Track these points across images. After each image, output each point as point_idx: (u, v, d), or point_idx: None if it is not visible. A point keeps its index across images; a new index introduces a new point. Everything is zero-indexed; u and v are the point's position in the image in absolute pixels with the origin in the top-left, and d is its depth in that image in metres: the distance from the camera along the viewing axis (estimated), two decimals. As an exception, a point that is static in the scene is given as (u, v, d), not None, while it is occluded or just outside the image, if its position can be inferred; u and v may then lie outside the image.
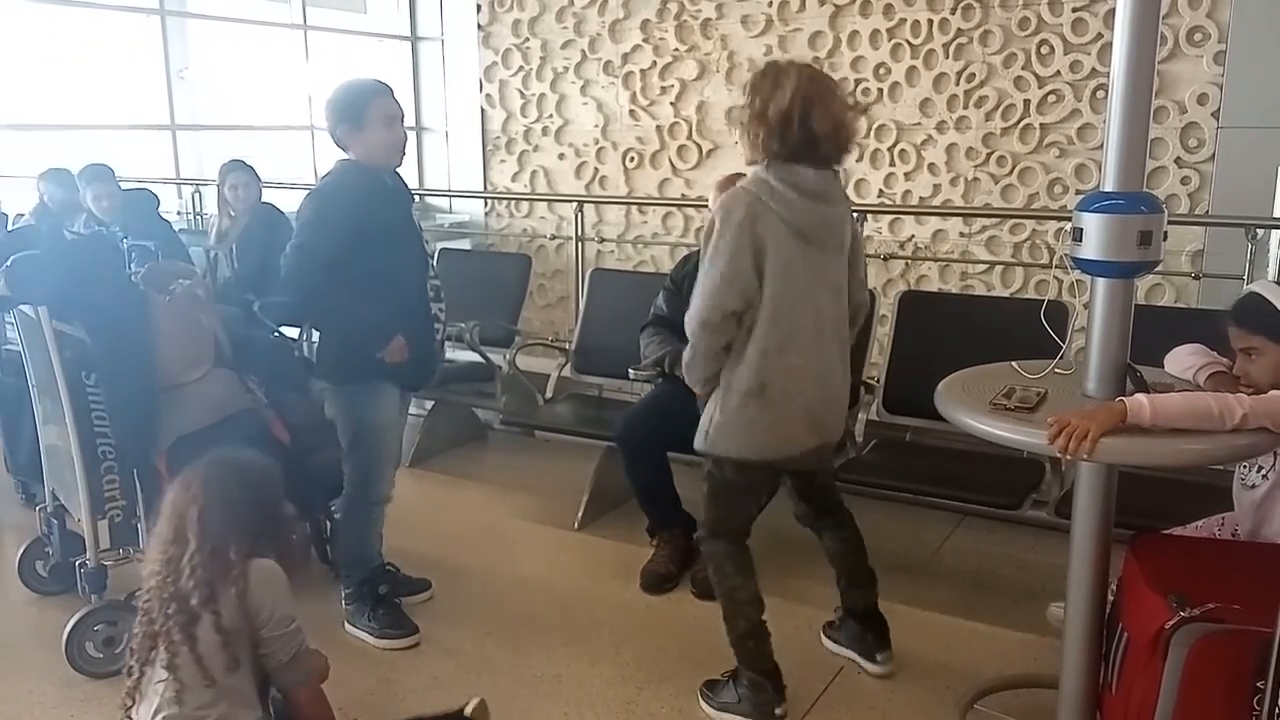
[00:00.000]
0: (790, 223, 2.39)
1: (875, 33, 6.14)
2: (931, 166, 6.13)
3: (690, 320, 2.47)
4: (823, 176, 2.45)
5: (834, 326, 2.54)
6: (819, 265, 2.47)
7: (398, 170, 2.97)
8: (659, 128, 6.99)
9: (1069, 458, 1.89)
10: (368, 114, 2.82)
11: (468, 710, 2.38)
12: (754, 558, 2.67)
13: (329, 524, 3.38)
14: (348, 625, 3.08)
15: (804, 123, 2.37)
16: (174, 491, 2.15)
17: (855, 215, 2.73)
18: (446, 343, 3.39)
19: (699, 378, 2.54)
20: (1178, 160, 5.44)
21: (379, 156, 2.87)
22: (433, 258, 3.29)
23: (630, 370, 3.68)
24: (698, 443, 2.58)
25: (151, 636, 2.05)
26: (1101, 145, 2.05)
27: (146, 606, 2.08)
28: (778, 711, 2.60)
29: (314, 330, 3.05)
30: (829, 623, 2.96)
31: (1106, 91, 2.02)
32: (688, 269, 3.56)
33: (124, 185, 5.09)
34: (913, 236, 6.10)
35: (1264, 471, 2.17)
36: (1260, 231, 3.83)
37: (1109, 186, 2.00)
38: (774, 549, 2.65)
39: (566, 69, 7.27)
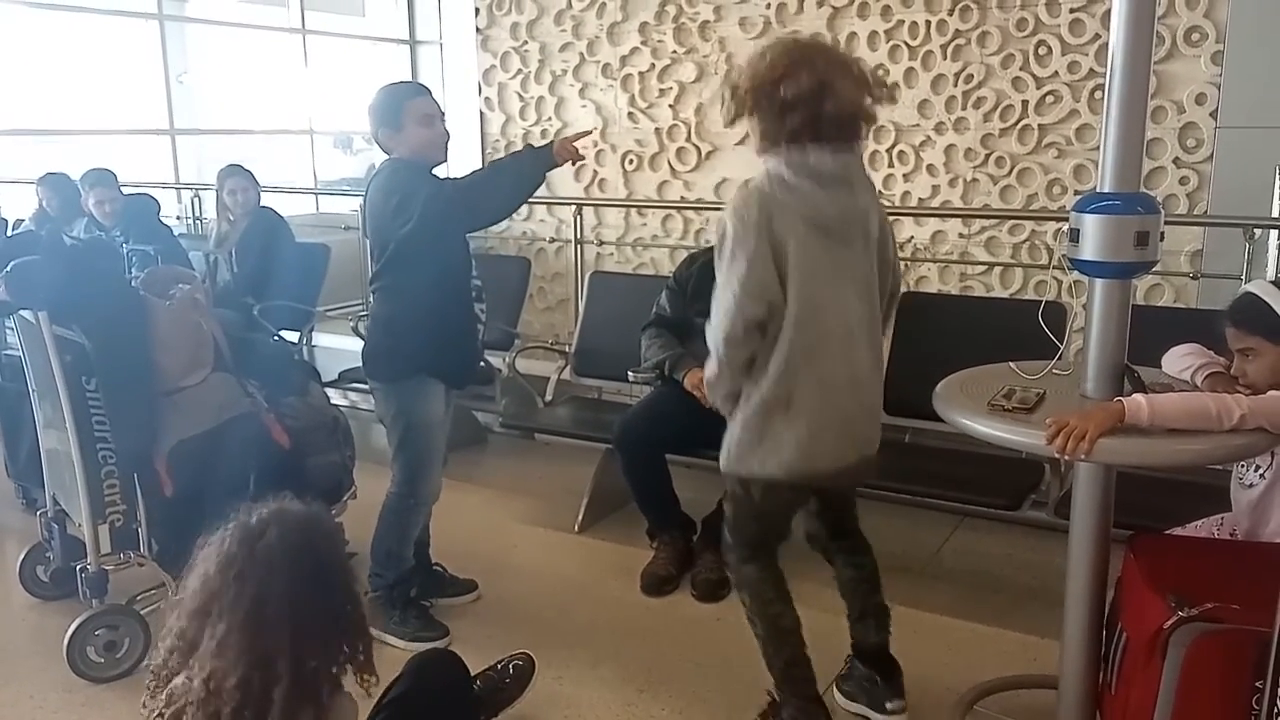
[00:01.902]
0: (810, 218, 2.20)
1: (873, 34, 6.14)
2: (930, 168, 6.12)
3: (713, 335, 2.27)
4: (840, 159, 2.22)
5: (865, 327, 2.32)
6: (844, 262, 2.27)
7: (434, 172, 2.95)
8: (658, 130, 6.99)
9: (1067, 458, 1.90)
10: (404, 115, 2.87)
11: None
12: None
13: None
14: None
15: (804, 99, 2.16)
16: (232, 594, 1.61)
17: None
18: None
19: (724, 394, 2.34)
20: (1176, 160, 5.44)
21: (421, 154, 2.90)
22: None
23: (630, 373, 3.69)
24: (722, 463, 2.39)
25: None
26: (1099, 146, 2.05)
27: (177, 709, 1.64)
28: None
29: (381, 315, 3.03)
30: (840, 675, 2.70)
31: (1104, 92, 2.03)
32: (693, 269, 3.57)
33: (125, 190, 5.11)
34: (912, 238, 6.10)
35: (1261, 471, 2.17)
36: (1258, 231, 3.84)
37: (1106, 187, 2.01)
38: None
39: (565, 72, 7.27)
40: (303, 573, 1.63)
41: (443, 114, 2.94)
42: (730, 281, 2.21)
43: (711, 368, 2.32)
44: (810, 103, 2.17)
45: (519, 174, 2.86)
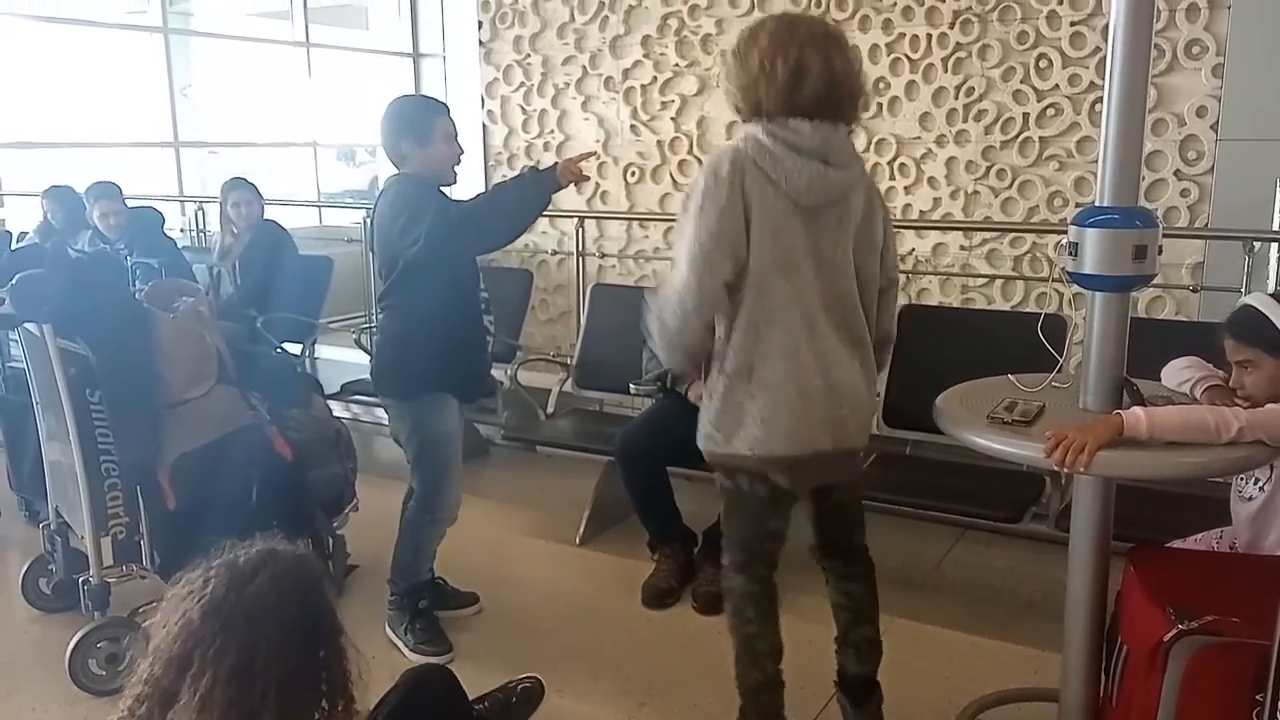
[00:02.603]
0: (779, 184, 2.12)
1: (874, 47, 6.17)
2: (931, 180, 6.14)
3: (675, 287, 2.16)
4: (820, 131, 2.14)
5: (831, 308, 2.20)
6: (811, 236, 2.17)
7: (442, 190, 2.97)
8: (660, 143, 7.01)
9: (1066, 471, 1.90)
10: (433, 131, 2.88)
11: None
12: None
13: (330, 540, 3.39)
14: (386, 628, 3.12)
15: (789, 82, 2.11)
16: (218, 643, 1.44)
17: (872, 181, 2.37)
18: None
19: (680, 355, 2.26)
20: (1177, 173, 5.45)
21: (435, 171, 2.92)
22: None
23: (631, 385, 3.69)
24: (699, 443, 2.30)
25: None
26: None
27: None
28: None
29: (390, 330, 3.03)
30: None
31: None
32: None
33: (129, 203, 5.13)
34: (913, 250, 6.10)
35: (1260, 484, 2.17)
36: (1258, 244, 3.84)
37: (1104, 201, 2.02)
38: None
39: (567, 85, 7.30)
40: (292, 621, 1.49)
41: (458, 133, 2.96)
42: (698, 232, 2.14)
43: (657, 323, 2.21)
44: (794, 85, 2.12)
45: (522, 197, 2.86)
